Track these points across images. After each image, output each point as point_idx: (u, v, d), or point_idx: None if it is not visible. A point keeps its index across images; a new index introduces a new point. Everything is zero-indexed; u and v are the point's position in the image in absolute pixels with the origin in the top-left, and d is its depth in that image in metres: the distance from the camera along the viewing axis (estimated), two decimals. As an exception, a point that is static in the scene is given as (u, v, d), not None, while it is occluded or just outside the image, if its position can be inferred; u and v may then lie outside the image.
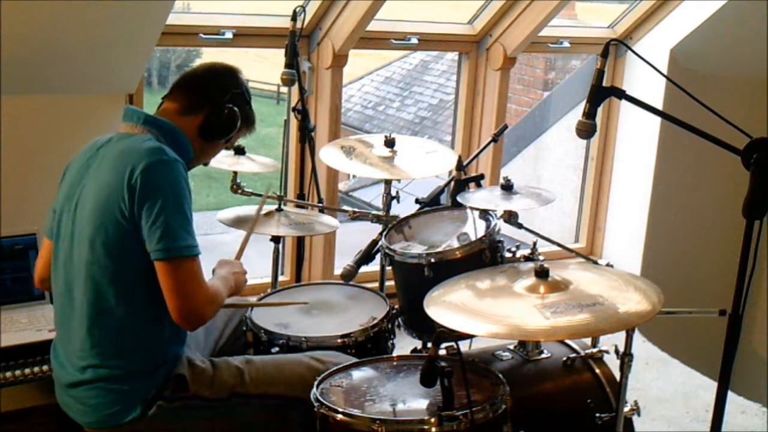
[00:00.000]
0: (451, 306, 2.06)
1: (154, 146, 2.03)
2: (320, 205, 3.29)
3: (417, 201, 2.94)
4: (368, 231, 2.97)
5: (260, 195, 2.76)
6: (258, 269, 3.63)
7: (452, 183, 2.86)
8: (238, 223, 2.79)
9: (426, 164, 3.06)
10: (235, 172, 2.94)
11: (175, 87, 2.21)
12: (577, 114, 2.21)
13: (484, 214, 2.65)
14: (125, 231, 1.98)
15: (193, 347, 2.28)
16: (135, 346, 2.06)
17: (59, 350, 2.15)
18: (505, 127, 3.23)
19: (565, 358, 2.49)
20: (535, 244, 2.54)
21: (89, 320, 2.03)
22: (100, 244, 2.00)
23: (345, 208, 3.14)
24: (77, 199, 2.08)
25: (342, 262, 3.00)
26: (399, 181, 2.99)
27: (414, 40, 3.99)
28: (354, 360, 2.28)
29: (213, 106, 2.18)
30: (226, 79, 2.23)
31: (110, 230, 1.99)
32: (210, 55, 2.26)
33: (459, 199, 2.68)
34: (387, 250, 2.59)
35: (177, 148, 2.10)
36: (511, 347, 2.57)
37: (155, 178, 1.98)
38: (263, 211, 2.76)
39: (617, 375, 2.23)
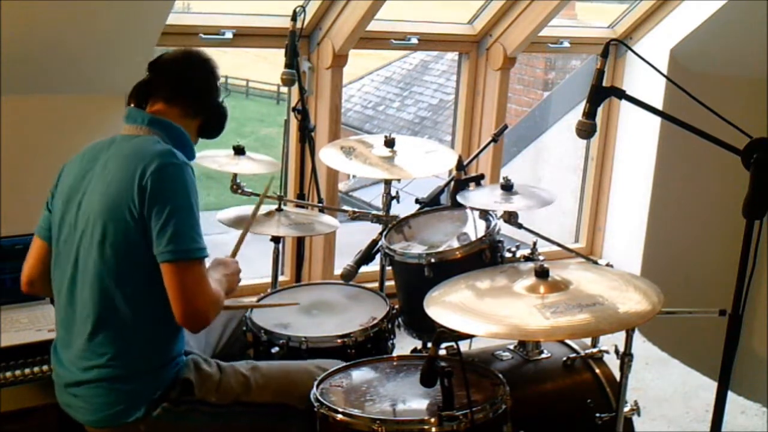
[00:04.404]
0: (451, 306, 2.06)
1: (165, 149, 2.04)
2: (320, 205, 3.29)
3: (417, 201, 2.94)
4: (368, 231, 2.97)
5: (260, 195, 2.74)
6: (258, 269, 3.63)
7: (452, 183, 2.86)
8: (238, 223, 2.79)
9: (426, 164, 3.06)
10: (235, 173, 2.94)
11: (169, 88, 2.16)
12: (577, 114, 2.21)
13: (484, 214, 2.65)
14: (134, 232, 1.98)
15: (194, 348, 2.28)
16: (139, 346, 2.06)
17: (60, 350, 2.14)
18: (505, 127, 3.23)
19: (565, 358, 2.49)
20: (535, 244, 2.54)
21: (94, 320, 2.03)
22: (108, 244, 2.00)
23: (345, 208, 3.14)
24: (80, 201, 2.07)
25: (342, 262, 3.00)
26: (399, 181, 2.99)
27: (414, 40, 3.99)
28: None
29: (211, 108, 2.22)
30: (211, 74, 2.22)
31: (119, 230, 1.99)
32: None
33: (459, 198, 2.68)
34: (387, 250, 2.59)
35: (182, 148, 2.12)
36: (511, 347, 2.56)
37: (166, 180, 1.98)
38: (261, 211, 2.77)
39: (617, 375, 2.23)
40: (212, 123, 2.23)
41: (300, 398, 2.12)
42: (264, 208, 2.86)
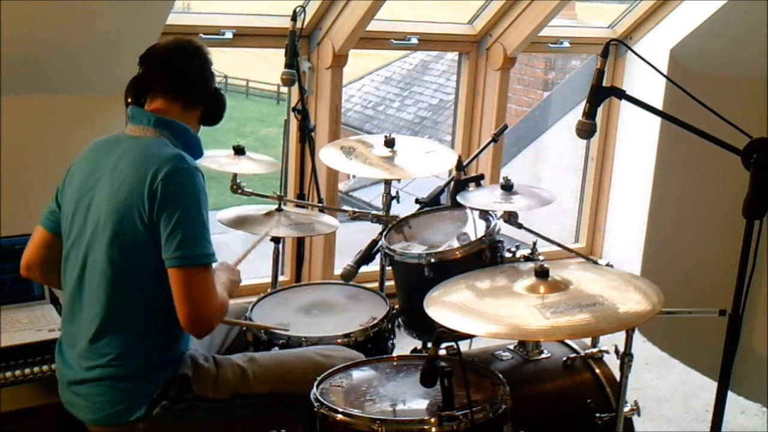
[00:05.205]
0: (451, 306, 2.06)
1: (175, 153, 2.04)
2: (320, 205, 3.29)
3: (417, 201, 2.94)
4: (368, 231, 2.97)
5: (260, 195, 2.75)
6: (258, 269, 3.63)
7: (452, 183, 2.86)
8: (238, 223, 2.79)
9: (426, 164, 3.06)
10: (235, 173, 2.94)
11: (167, 84, 2.15)
12: (577, 114, 2.21)
13: (484, 214, 2.65)
14: (142, 234, 1.99)
15: (198, 347, 2.28)
16: (143, 346, 2.06)
17: (65, 348, 2.15)
18: (505, 127, 3.23)
19: (565, 358, 2.49)
20: (535, 244, 2.54)
21: (99, 321, 2.03)
22: (117, 246, 2.00)
23: (345, 208, 3.14)
24: (90, 201, 2.07)
25: (342, 262, 3.00)
26: (399, 181, 2.99)
27: (414, 40, 3.99)
28: (356, 353, 2.30)
29: (209, 96, 2.21)
30: (205, 60, 2.20)
31: (128, 233, 1.99)
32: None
33: (459, 199, 2.68)
34: (387, 250, 2.59)
35: (189, 147, 2.12)
36: (511, 347, 2.56)
37: (176, 185, 1.99)
38: (261, 211, 2.80)
39: (617, 375, 2.23)
40: (212, 111, 2.23)
41: (300, 385, 2.12)
42: (264, 208, 2.87)
